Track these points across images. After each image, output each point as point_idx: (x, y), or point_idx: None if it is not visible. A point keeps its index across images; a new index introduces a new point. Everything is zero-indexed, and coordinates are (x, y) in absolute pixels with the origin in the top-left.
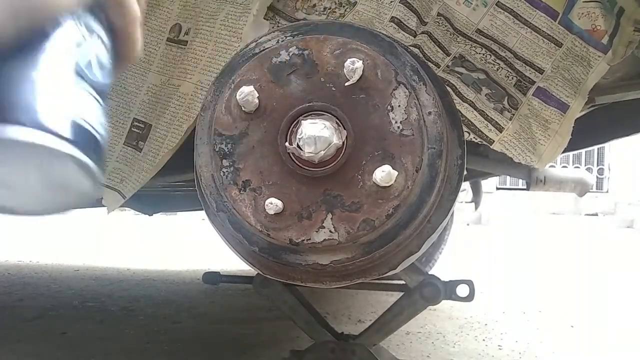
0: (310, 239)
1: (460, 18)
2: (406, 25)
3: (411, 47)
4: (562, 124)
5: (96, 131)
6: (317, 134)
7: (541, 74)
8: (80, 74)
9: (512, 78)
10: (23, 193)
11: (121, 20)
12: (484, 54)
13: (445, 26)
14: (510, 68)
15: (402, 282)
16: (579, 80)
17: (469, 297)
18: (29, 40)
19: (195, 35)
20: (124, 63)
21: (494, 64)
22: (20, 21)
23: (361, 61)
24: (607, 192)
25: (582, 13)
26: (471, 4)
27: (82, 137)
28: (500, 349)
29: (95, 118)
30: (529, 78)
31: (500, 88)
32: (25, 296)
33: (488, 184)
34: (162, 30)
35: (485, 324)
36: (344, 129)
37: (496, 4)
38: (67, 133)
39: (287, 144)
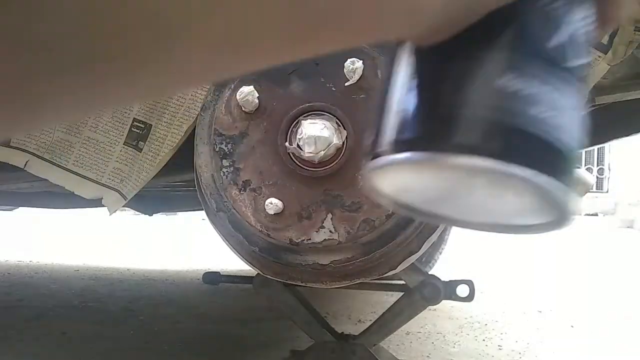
0: (310, 239)
1: None
2: None
3: None
4: None
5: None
6: (317, 134)
7: None
8: (555, 63)
9: None
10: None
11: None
12: None
13: None
14: None
15: (402, 282)
16: None
17: (469, 297)
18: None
19: None
20: (605, 28)
21: None
22: None
23: (361, 61)
24: (607, 192)
25: None
26: None
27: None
28: (500, 349)
29: (561, 120)
30: None
31: None
32: (25, 296)
33: None
34: None
35: (485, 324)
36: (344, 129)
37: None
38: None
39: (287, 144)
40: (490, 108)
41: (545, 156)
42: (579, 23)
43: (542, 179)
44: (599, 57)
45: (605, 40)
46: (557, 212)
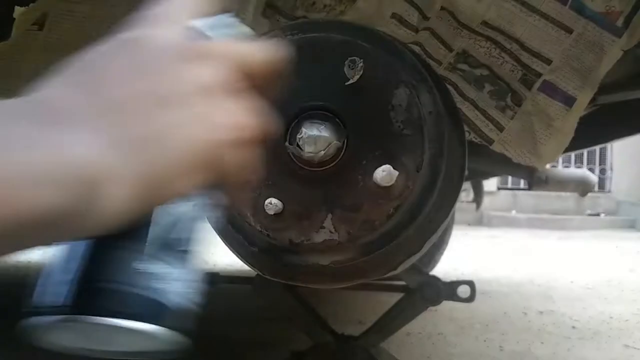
0: (310, 240)
1: (465, 10)
2: (407, 21)
3: (412, 45)
4: (566, 120)
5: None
6: (317, 133)
7: (549, 66)
8: (175, 250)
9: (517, 72)
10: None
11: (229, 190)
12: (488, 48)
13: (449, 20)
14: (515, 61)
15: (403, 282)
16: (589, 68)
17: (470, 298)
18: (134, 224)
19: None
20: (220, 210)
21: (498, 58)
22: (142, 208)
23: (361, 60)
24: (609, 192)
25: None
26: None
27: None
28: (501, 350)
29: (177, 288)
30: (535, 71)
31: (504, 84)
32: (25, 296)
33: (489, 184)
34: None
35: (486, 325)
36: (344, 128)
37: None
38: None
39: (287, 143)
40: (125, 283)
41: (156, 312)
42: (191, 219)
43: (149, 327)
44: (613, 41)
45: (620, 22)
46: (163, 345)
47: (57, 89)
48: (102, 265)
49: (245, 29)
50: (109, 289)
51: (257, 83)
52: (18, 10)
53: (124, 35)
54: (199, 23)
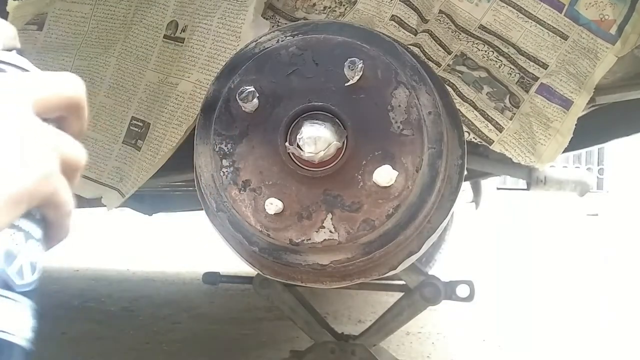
0: (310, 239)
1: (463, 14)
2: (407, 24)
3: (411, 47)
4: (564, 122)
5: (14, 336)
6: (317, 134)
7: (545, 70)
8: (7, 284)
9: (515, 75)
10: None
11: (56, 216)
12: (485, 51)
13: (447, 23)
14: (513, 65)
15: (403, 282)
16: (584, 74)
17: (469, 298)
18: None
19: (192, 32)
20: (52, 246)
21: (496, 61)
22: None
23: (361, 61)
24: (607, 192)
25: (590, 3)
26: None
27: None
28: (500, 349)
29: (16, 324)
30: (532, 74)
31: (502, 86)
32: None
33: (488, 184)
34: (159, 27)
35: (486, 324)
36: (344, 129)
37: None
38: None
39: (287, 144)
40: None
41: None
42: (25, 255)
43: None
44: (607, 48)
45: (613, 30)
46: None
47: None
48: None
49: (30, 65)
50: None
51: (62, 114)
52: (11, 4)
53: None
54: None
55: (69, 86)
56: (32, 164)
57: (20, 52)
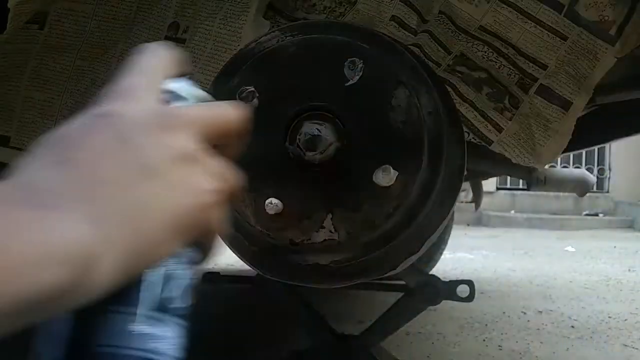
0: (310, 239)
1: (463, 15)
2: (407, 24)
3: (412, 47)
4: (564, 122)
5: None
6: (317, 134)
7: (544, 70)
8: (165, 307)
9: (514, 76)
10: None
11: (209, 242)
12: (485, 52)
13: (447, 24)
14: (512, 65)
15: (403, 282)
16: (584, 75)
17: (469, 298)
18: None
19: (193, 33)
20: (201, 266)
21: (495, 62)
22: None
23: (361, 61)
24: (607, 192)
25: (589, 4)
26: (474, 0)
27: None
28: (500, 349)
29: (170, 345)
30: (532, 75)
31: (502, 87)
32: None
33: (488, 184)
34: (160, 29)
35: (486, 325)
36: (344, 129)
37: None
38: None
39: (287, 144)
40: (122, 346)
41: None
42: (179, 275)
43: None
44: (606, 49)
45: (613, 31)
46: None
47: (38, 171)
48: (96, 331)
49: (204, 93)
50: (106, 354)
51: (224, 142)
52: (12, 0)
53: (96, 111)
54: (172, 86)
55: (234, 115)
56: (197, 195)
57: (191, 78)
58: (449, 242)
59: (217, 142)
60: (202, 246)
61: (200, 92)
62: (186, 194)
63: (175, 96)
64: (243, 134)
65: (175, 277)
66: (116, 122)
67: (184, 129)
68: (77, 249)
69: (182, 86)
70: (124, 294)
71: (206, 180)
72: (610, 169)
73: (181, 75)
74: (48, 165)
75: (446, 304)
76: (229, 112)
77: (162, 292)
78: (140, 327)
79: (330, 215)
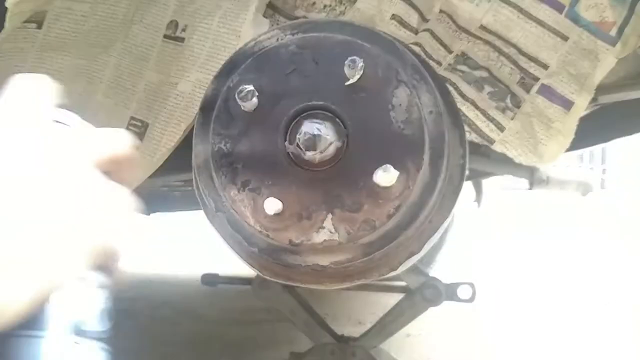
0: (310, 240)
1: (463, 14)
2: (407, 23)
3: (412, 45)
4: (566, 122)
5: None
6: (317, 133)
7: (546, 70)
8: (82, 331)
9: (516, 75)
10: None
11: (112, 264)
12: (486, 51)
13: (448, 23)
14: (513, 65)
15: (403, 283)
16: (585, 75)
17: (471, 299)
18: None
19: (192, 32)
20: (110, 287)
21: (496, 61)
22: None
23: (362, 60)
24: (609, 191)
25: (590, 5)
26: None
27: None
28: (501, 350)
29: None
30: (533, 75)
31: (503, 86)
32: None
33: (489, 184)
34: (159, 27)
35: (486, 325)
36: (345, 128)
37: None
38: None
39: (286, 143)
40: None
41: None
42: (93, 301)
43: None
44: (607, 49)
45: (613, 32)
46: None
47: None
48: (7, 356)
49: (80, 120)
50: None
51: (115, 168)
52: (10, 0)
53: None
54: (58, 115)
55: (123, 141)
56: (95, 218)
57: (66, 108)
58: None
59: (107, 168)
60: (106, 270)
61: (82, 121)
62: (77, 220)
63: (62, 123)
64: (132, 162)
65: (86, 300)
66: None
67: (75, 153)
68: None
69: (63, 116)
70: (34, 319)
71: (99, 206)
72: (611, 169)
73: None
74: None
75: (447, 305)
76: (116, 139)
77: (73, 315)
78: (52, 350)
79: (330, 216)
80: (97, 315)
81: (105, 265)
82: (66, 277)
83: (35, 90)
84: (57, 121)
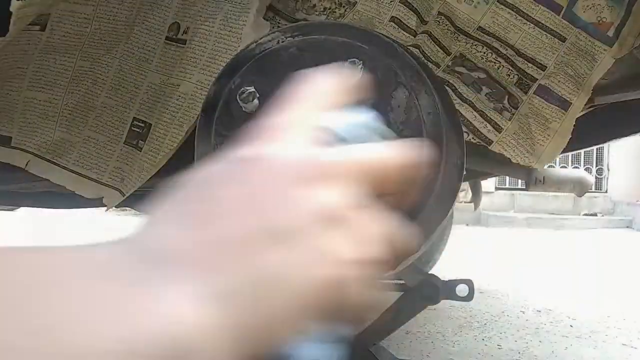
0: None
1: (462, 16)
2: (406, 25)
3: (411, 47)
4: (563, 122)
5: None
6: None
7: (543, 71)
8: None
9: (513, 76)
10: None
11: (350, 322)
12: (484, 53)
13: (446, 25)
14: (511, 66)
15: (402, 281)
16: (582, 75)
17: (469, 297)
18: None
19: (194, 34)
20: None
21: (494, 62)
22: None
23: (361, 62)
24: (606, 192)
25: (587, 5)
26: (472, 1)
27: None
28: (499, 349)
29: None
30: (531, 75)
31: (501, 87)
32: None
33: (487, 184)
34: (161, 29)
35: (485, 324)
36: None
37: (498, 1)
38: None
39: None
40: None
41: None
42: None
43: None
44: (604, 50)
45: (611, 32)
46: None
47: (160, 227)
48: None
49: (382, 127)
50: None
51: (391, 190)
52: (15, 4)
53: (240, 154)
54: (333, 122)
55: (403, 158)
56: (332, 267)
57: (371, 108)
58: (448, 241)
59: (384, 192)
60: (339, 323)
61: (377, 126)
62: (326, 264)
63: (336, 135)
64: (416, 181)
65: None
66: (257, 172)
67: (337, 179)
68: (171, 340)
69: (349, 121)
70: None
71: (348, 248)
72: (608, 169)
73: (356, 103)
74: (173, 220)
75: (445, 303)
76: (399, 155)
77: None
78: None
79: None
80: None
81: (338, 318)
82: (285, 335)
83: (312, 92)
84: (330, 129)
